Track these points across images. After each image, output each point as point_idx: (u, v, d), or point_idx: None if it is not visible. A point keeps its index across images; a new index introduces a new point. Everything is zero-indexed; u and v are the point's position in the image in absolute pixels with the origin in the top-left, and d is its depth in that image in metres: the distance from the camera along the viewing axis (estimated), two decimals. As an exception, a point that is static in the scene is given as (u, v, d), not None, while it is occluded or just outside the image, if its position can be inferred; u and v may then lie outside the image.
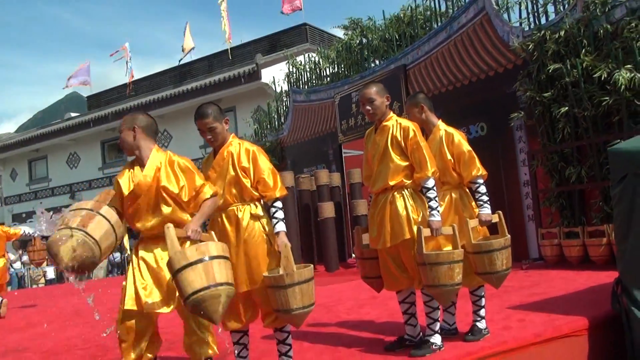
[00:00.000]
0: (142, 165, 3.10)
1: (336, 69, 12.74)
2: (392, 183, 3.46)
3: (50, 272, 16.02)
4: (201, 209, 3.04)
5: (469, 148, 3.72)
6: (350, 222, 10.45)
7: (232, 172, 3.17)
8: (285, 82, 14.35)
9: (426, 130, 3.88)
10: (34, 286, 14.85)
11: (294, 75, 14.04)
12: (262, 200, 3.25)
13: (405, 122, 3.54)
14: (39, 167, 27.80)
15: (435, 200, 3.38)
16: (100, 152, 25.22)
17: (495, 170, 8.14)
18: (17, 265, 15.72)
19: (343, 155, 11.81)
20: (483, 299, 3.73)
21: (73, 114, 27.67)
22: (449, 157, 3.69)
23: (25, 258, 15.87)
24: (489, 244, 3.52)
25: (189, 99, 20.88)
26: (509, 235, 3.62)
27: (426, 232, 3.33)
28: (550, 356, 3.53)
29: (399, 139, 3.47)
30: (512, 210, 7.91)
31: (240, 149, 3.22)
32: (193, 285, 2.56)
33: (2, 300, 7.69)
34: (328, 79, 12.98)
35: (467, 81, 8.60)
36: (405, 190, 3.47)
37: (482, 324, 3.66)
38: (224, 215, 3.18)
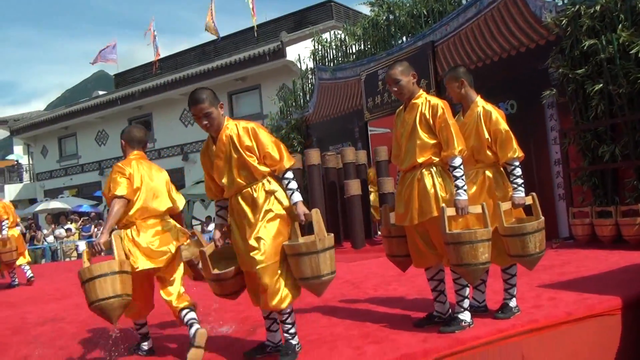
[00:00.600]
0: None
1: (362, 46, 12.60)
2: (420, 160, 3.42)
3: (82, 246, 16.42)
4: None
5: (507, 127, 3.63)
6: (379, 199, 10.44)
7: (235, 155, 3.13)
8: (311, 60, 14.26)
9: (464, 105, 3.81)
10: (67, 259, 15.24)
11: (320, 52, 13.93)
12: (274, 174, 3.23)
13: (434, 100, 3.49)
14: (69, 145, 28.33)
15: (462, 180, 3.33)
16: (127, 130, 25.48)
17: (524, 149, 7.84)
18: (50, 239, 16.14)
19: (369, 132, 11.74)
20: (514, 278, 3.71)
21: (101, 92, 27.99)
22: (486, 135, 3.62)
23: (57, 232, 16.28)
24: (522, 227, 3.47)
25: (214, 77, 20.91)
26: (543, 218, 3.56)
27: (450, 211, 3.29)
28: (581, 335, 3.50)
29: (428, 116, 3.42)
30: (542, 189, 7.79)
31: (239, 129, 3.16)
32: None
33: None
34: (354, 56, 12.85)
35: (497, 58, 8.43)
36: (434, 168, 3.44)
37: (512, 302, 3.65)
38: (239, 198, 3.16)
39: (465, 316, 3.40)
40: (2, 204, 8.33)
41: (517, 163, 3.63)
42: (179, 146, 23.68)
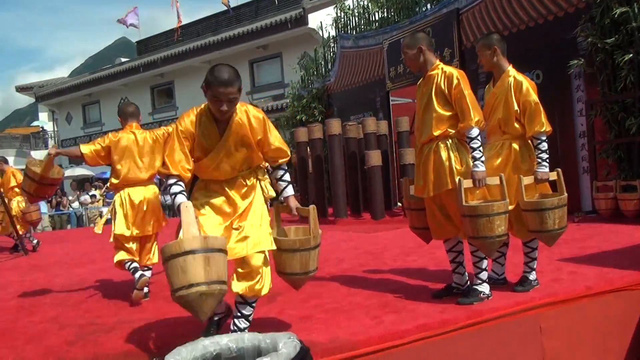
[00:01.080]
0: None
1: (385, 14, 12.37)
2: (436, 133, 3.40)
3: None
4: None
5: (537, 100, 3.55)
6: (397, 171, 10.41)
7: (244, 143, 2.90)
8: (333, 28, 14.06)
9: (495, 75, 3.74)
10: (92, 225, 15.58)
11: (342, 20, 13.72)
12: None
13: (449, 70, 3.44)
14: (93, 111, 28.64)
15: (479, 151, 3.30)
16: (150, 97, 25.68)
17: (550, 120, 7.72)
18: (76, 205, 16.49)
19: (390, 103, 11.63)
20: (536, 251, 3.68)
21: (123, 59, 28.09)
22: (515, 106, 3.55)
23: (82, 198, 16.60)
24: (541, 203, 3.43)
25: (236, 44, 20.79)
26: (566, 195, 3.50)
27: (467, 183, 3.26)
28: (601, 310, 3.49)
29: (443, 87, 3.38)
30: (566, 161, 7.67)
31: (250, 118, 2.89)
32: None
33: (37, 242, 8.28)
34: (377, 24, 12.63)
35: (523, 26, 8.22)
36: (450, 140, 3.41)
37: (532, 276, 3.64)
38: (228, 183, 2.97)
39: (484, 288, 3.41)
40: (11, 170, 8.46)
41: (544, 137, 3.55)
42: (200, 114, 23.72)
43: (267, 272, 2.93)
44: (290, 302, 3.76)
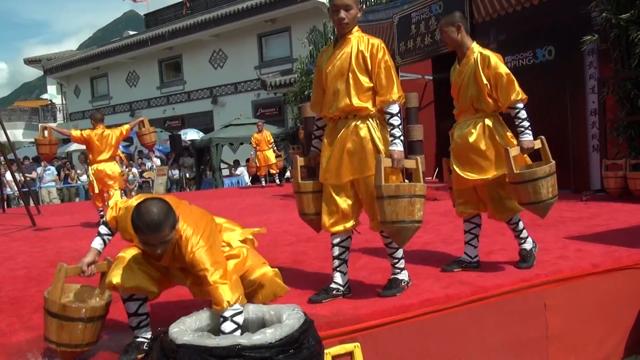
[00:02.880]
0: None
1: (396, -13, 12.17)
2: (356, 105, 3.04)
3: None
4: None
5: (507, 70, 3.45)
6: (405, 146, 10.35)
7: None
8: (343, 1, 13.88)
9: (459, 53, 3.62)
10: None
11: (352, -7, 13.54)
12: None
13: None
14: (101, 85, 28.59)
15: (399, 129, 3.01)
16: (157, 71, 25.58)
17: (560, 97, 7.77)
18: (84, 178, 16.56)
19: (400, 79, 11.50)
20: (520, 223, 3.64)
21: (131, 32, 27.93)
22: (485, 81, 3.44)
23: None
24: (533, 172, 3.33)
25: (244, 18, 20.59)
26: (554, 162, 3.43)
27: (387, 162, 2.93)
28: (608, 287, 3.48)
29: (366, 54, 3.04)
30: (576, 139, 7.60)
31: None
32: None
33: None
34: (387, -3, 12.45)
35: (536, 1, 8.04)
36: (371, 120, 3.09)
37: (528, 245, 3.62)
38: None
39: (404, 276, 3.23)
40: None
41: (521, 105, 3.45)
42: (208, 89, 23.69)
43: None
44: (294, 276, 3.77)
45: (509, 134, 3.55)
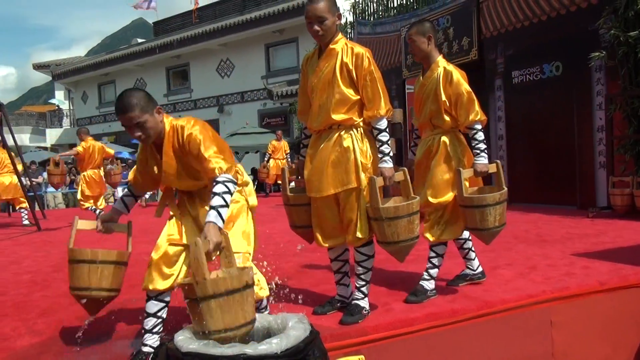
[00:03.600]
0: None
1: (404, 0, 12.25)
2: (340, 120, 2.94)
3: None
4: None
5: (469, 89, 3.30)
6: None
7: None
8: (351, 13, 13.95)
9: (424, 65, 3.48)
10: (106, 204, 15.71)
11: (360, 5, 13.61)
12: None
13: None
14: (108, 91, 28.74)
15: (388, 144, 2.93)
16: (165, 79, 25.71)
17: (567, 113, 7.78)
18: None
19: (406, 91, 11.52)
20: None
21: (139, 40, 28.12)
22: (444, 97, 3.30)
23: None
24: (482, 199, 3.18)
25: (252, 28, 20.70)
26: (506, 189, 3.27)
27: (380, 181, 2.86)
28: (614, 306, 3.45)
29: (350, 67, 2.93)
30: (582, 155, 7.59)
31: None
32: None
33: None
34: (395, 10, 12.52)
35: (545, 17, 8.09)
36: (355, 130, 2.97)
37: (430, 284, 3.36)
38: None
39: (365, 303, 3.04)
40: None
41: (479, 126, 3.32)
42: (214, 97, 23.78)
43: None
44: (300, 287, 3.76)
45: (465, 153, 3.40)
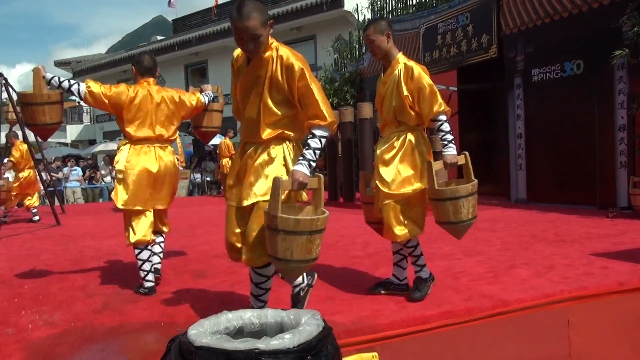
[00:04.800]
0: None
1: (423, -3, 12.18)
2: (266, 138, 2.69)
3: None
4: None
5: (430, 82, 3.26)
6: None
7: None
8: (369, 11, 13.91)
9: (385, 63, 3.43)
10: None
11: (379, 3, 13.55)
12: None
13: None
14: (127, 88, 28.97)
15: (314, 152, 2.59)
16: (183, 76, 25.89)
17: (588, 112, 7.66)
18: (108, 179, 16.81)
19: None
20: (419, 247, 3.35)
21: (159, 37, 28.35)
22: (406, 92, 3.25)
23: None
24: (455, 190, 3.10)
25: (271, 25, 20.68)
26: (476, 180, 3.20)
27: (287, 185, 2.50)
28: (633, 307, 3.38)
29: (280, 79, 2.68)
30: (603, 155, 7.47)
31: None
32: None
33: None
34: (414, 8, 12.45)
35: (566, 14, 7.96)
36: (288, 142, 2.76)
37: (425, 273, 3.33)
38: None
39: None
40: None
41: (444, 117, 3.26)
42: (233, 95, 23.84)
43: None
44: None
45: (429, 150, 3.34)
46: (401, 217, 3.23)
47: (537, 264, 4.05)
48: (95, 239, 6.55)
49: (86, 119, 32.65)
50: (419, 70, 3.28)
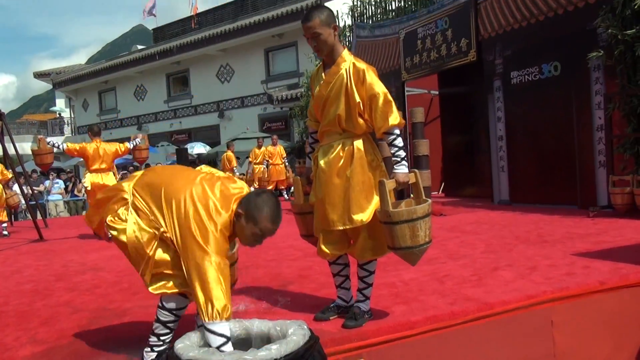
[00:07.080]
0: None
1: (402, 3, 12.31)
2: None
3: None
4: None
5: (384, 89, 2.87)
6: (411, 162, 10.36)
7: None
8: (349, 17, 14.00)
9: (327, 60, 3.01)
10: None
11: (359, 9, 13.66)
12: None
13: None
14: (109, 99, 28.81)
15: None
16: (165, 85, 25.77)
17: (567, 113, 7.78)
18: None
19: (406, 93, 11.55)
20: (373, 276, 3.08)
21: (139, 47, 28.22)
22: (357, 99, 2.87)
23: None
24: (413, 211, 2.75)
25: (251, 33, 20.75)
26: (430, 200, 2.90)
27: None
28: (615, 305, 3.45)
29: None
30: (582, 155, 7.59)
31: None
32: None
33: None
34: (393, 13, 12.56)
35: (542, 17, 8.09)
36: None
37: (366, 305, 3.03)
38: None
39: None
40: None
41: (398, 131, 2.88)
42: (215, 103, 23.82)
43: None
44: (301, 291, 3.77)
45: (380, 158, 3.05)
46: (368, 237, 2.97)
47: (521, 266, 4.11)
48: (79, 253, 6.49)
49: (67, 130, 32.34)
50: (371, 74, 2.89)
